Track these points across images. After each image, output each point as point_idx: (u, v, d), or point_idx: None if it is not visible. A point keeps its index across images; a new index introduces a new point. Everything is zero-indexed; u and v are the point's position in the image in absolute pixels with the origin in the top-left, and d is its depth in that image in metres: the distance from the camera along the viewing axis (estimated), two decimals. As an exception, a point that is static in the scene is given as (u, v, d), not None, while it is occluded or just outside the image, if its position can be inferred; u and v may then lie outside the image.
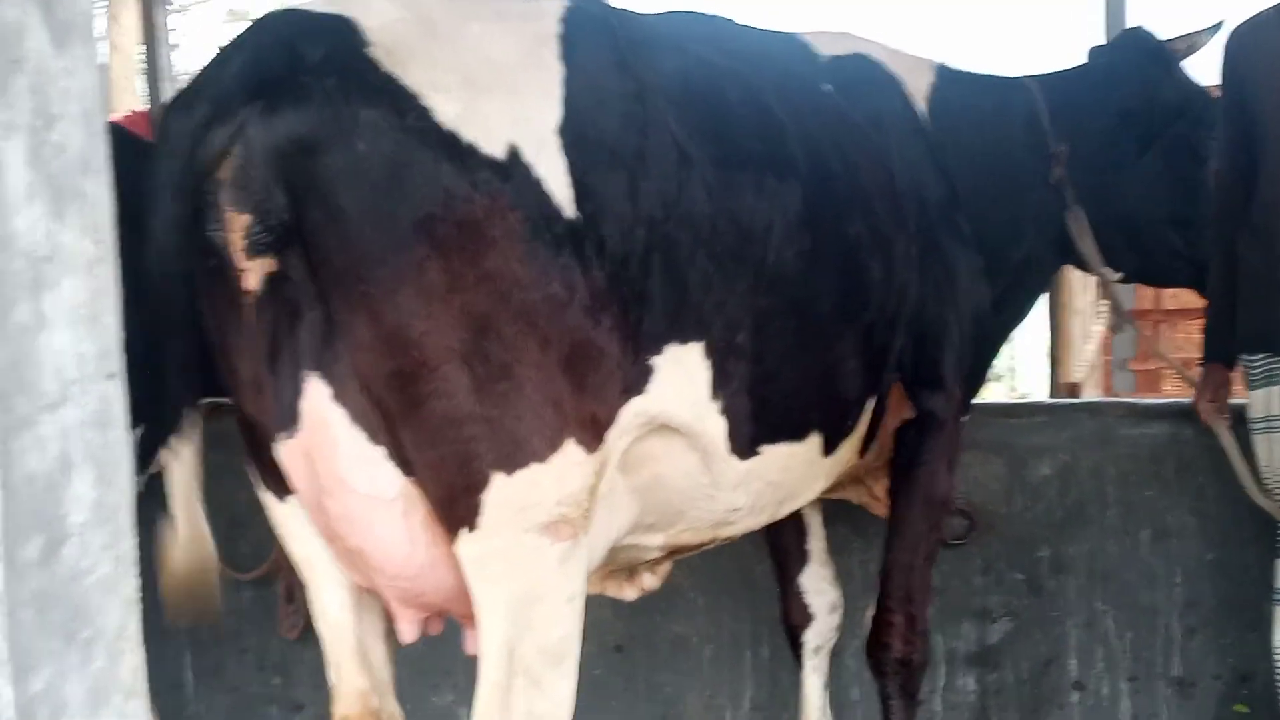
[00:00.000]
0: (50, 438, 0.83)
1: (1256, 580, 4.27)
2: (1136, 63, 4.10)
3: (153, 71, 6.37)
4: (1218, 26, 4.04)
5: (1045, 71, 4.22)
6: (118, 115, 6.96)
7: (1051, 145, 3.92)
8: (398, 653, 4.07)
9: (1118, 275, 4.16)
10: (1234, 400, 4.07)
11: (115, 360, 0.86)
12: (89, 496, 0.85)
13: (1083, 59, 4.30)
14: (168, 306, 2.41)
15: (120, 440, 0.87)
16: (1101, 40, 4.79)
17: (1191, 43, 4.18)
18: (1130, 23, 4.95)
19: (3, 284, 0.80)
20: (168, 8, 6.54)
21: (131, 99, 12.39)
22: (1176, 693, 4.50)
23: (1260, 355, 3.76)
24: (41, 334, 0.83)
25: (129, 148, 4.68)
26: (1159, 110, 4.03)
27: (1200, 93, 4.09)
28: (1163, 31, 4.19)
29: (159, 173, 2.33)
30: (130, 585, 0.87)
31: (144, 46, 6.42)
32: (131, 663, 0.86)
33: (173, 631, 5.11)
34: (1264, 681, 4.17)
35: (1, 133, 0.80)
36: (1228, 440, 3.93)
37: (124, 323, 2.94)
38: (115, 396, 0.87)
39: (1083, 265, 4.11)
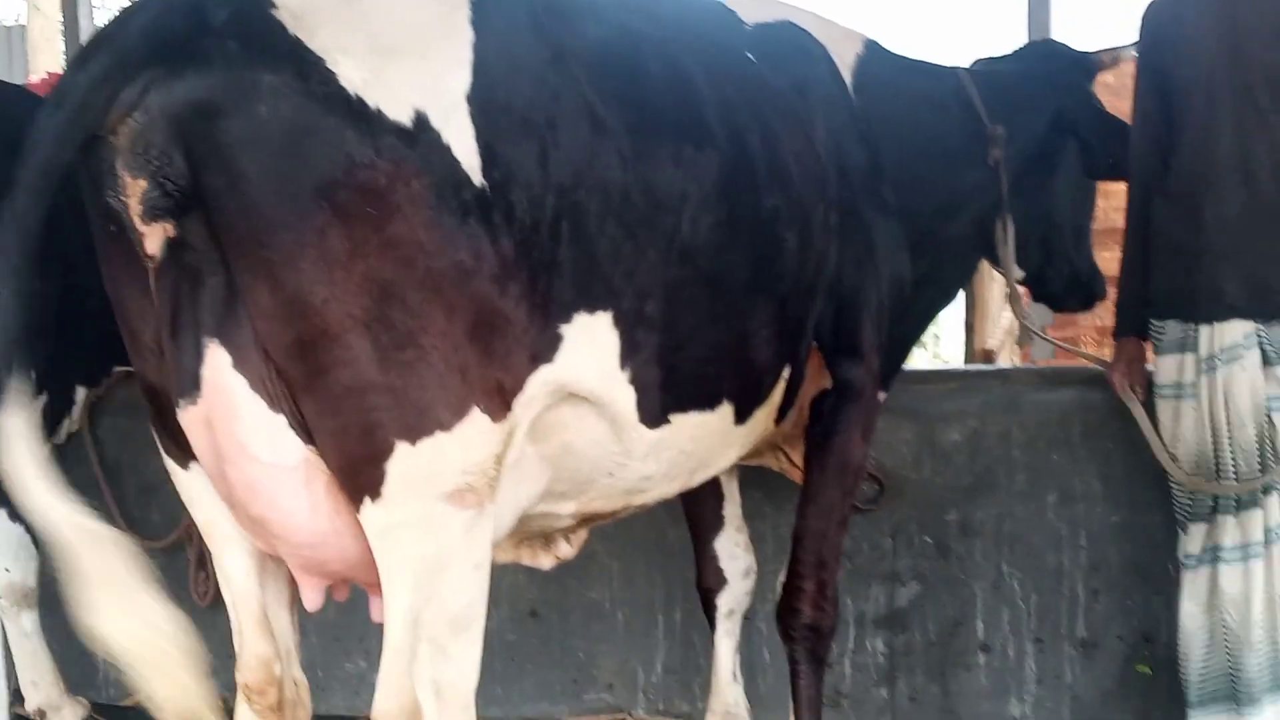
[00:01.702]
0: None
1: (1160, 544, 4.36)
2: (1065, 70, 4.20)
3: (72, 33, 6.27)
4: (1137, 44, 4.11)
5: (972, 66, 4.29)
6: (36, 78, 6.83)
7: (989, 128, 3.96)
8: (312, 621, 4.07)
9: (1020, 274, 4.26)
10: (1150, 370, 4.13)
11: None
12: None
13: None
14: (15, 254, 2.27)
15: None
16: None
17: (1115, 55, 4.29)
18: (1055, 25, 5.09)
19: None
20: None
21: (51, 61, 12.15)
22: (1081, 654, 4.59)
23: (1173, 321, 3.82)
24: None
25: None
26: (1085, 118, 4.12)
27: (1108, 114, 4.22)
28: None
29: (41, 124, 2.26)
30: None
31: (63, 9, 6.32)
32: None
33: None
34: (1166, 643, 4.27)
35: None
36: (1141, 414, 3.99)
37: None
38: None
39: (993, 260, 4.17)
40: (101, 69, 2.26)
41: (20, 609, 4.40)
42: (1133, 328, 4.03)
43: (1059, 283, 4.37)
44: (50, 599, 4.67)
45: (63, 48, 6.21)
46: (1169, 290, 3.81)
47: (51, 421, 4.59)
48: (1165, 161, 3.81)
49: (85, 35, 6.18)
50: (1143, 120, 3.90)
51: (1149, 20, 3.92)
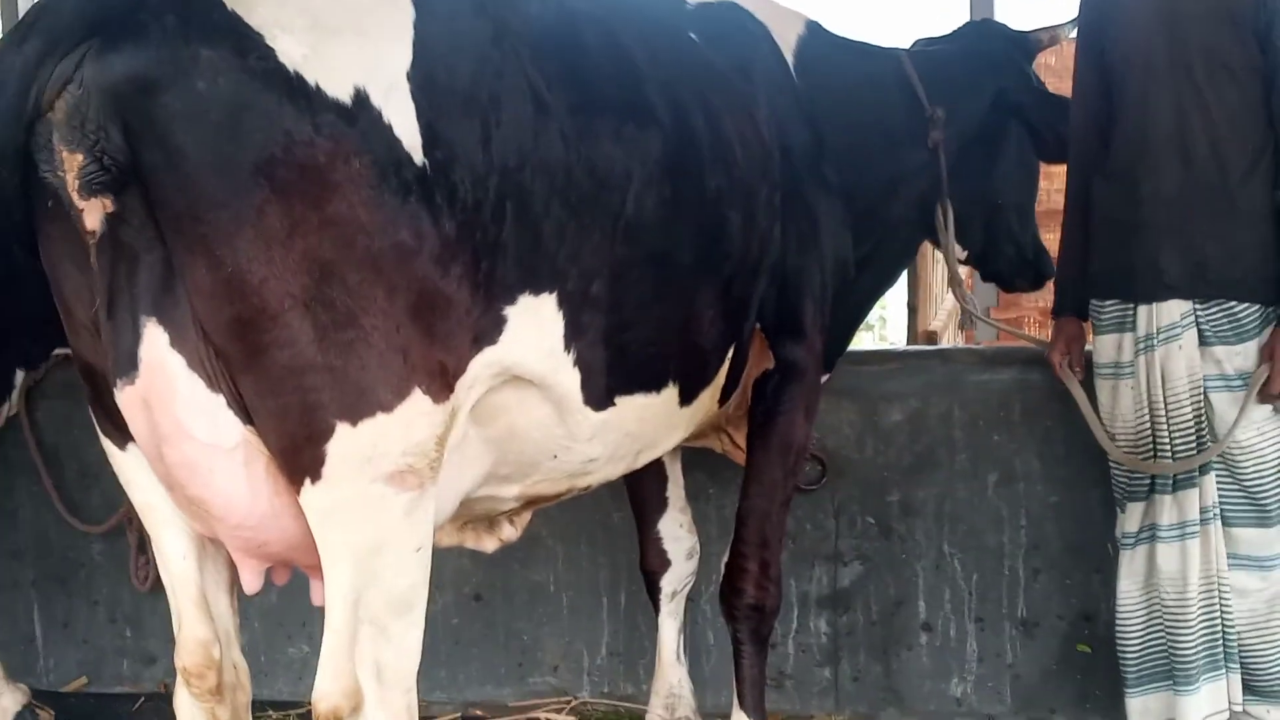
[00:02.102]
0: None
1: (1100, 523, 4.41)
2: (1004, 50, 4.22)
3: (11, 12, 6.18)
4: (1076, 21, 4.13)
5: (911, 46, 4.30)
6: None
7: (928, 110, 3.97)
8: (254, 605, 4.04)
9: (963, 254, 4.30)
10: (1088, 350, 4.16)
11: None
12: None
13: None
14: None
15: None
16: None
17: (1053, 35, 4.33)
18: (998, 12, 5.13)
19: None
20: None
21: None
22: (1021, 633, 4.64)
23: (1112, 301, 3.84)
24: None
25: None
26: (1024, 98, 4.14)
27: (1049, 92, 4.26)
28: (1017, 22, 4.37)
29: None
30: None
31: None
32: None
33: (22, 584, 5.03)
34: (1106, 622, 4.31)
35: None
36: (1079, 394, 4.02)
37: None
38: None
39: (936, 241, 4.19)
40: (37, 47, 2.24)
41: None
42: (1071, 307, 4.06)
43: (1005, 263, 4.40)
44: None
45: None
46: (1108, 270, 3.83)
47: None
48: (1104, 140, 3.83)
49: (21, 9, 6.09)
50: (1081, 99, 3.92)
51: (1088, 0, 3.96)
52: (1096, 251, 3.86)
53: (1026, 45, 4.31)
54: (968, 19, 5.20)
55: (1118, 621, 3.95)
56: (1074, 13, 4.13)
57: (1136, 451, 3.83)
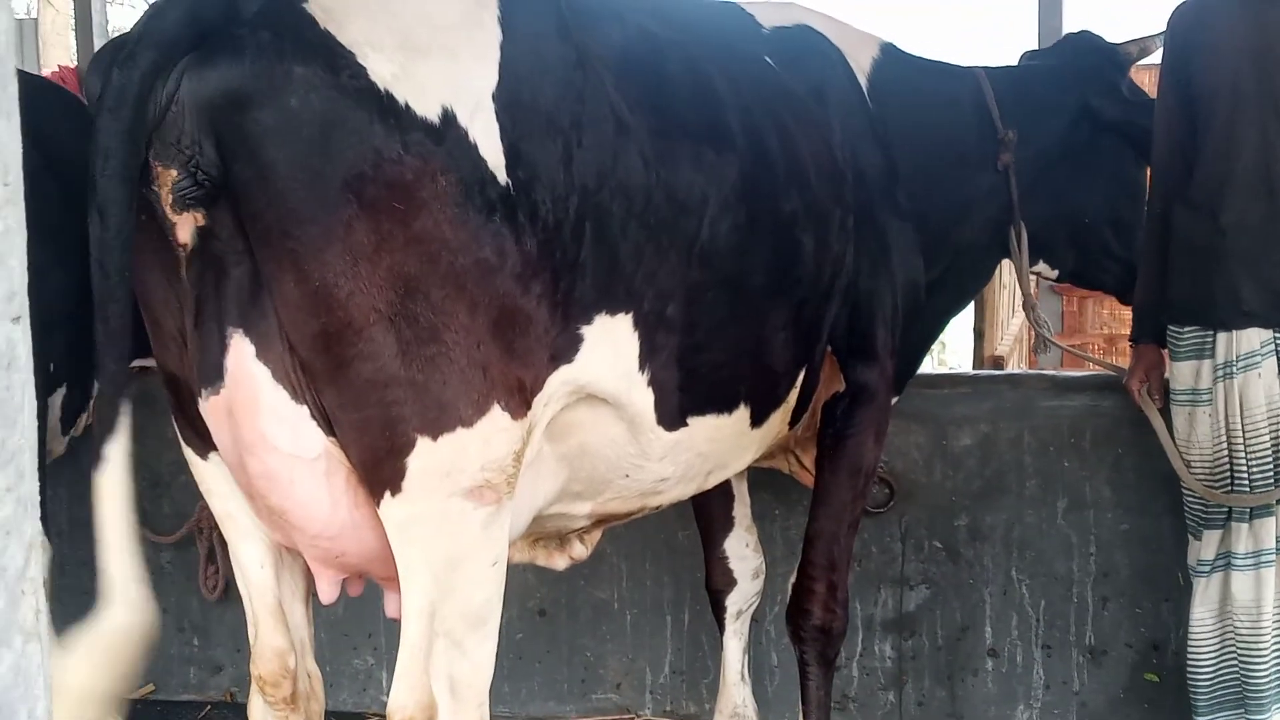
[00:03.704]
0: (-47, 378, 0.83)
1: (1170, 551, 4.36)
2: (1094, 64, 4.19)
3: (85, 27, 6.27)
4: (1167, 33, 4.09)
5: (992, 65, 4.28)
6: (47, 71, 6.85)
7: (1000, 132, 3.96)
8: (321, 617, 4.07)
9: (1054, 274, 4.26)
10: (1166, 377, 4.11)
11: (21, 303, 0.85)
12: (-10, 438, 0.85)
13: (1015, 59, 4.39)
14: (114, 268, 2.30)
15: (24, 383, 0.86)
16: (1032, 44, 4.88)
17: (1143, 46, 4.27)
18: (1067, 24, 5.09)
19: (-90, 225, 0.80)
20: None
21: (63, 55, 12.17)
22: (1089, 661, 4.60)
23: (1190, 328, 3.81)
24: (-54, 274, 0.82)
25: (57, 103, 4.62)
26: (1113, 112, 4.11)
27: (1148, 101, 4.17)
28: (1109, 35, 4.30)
29: (104, 127, 2.25)
30: (32, 528, 0.86)
31: (74, 2, 6.32)
32: (32, 605, 0.86)
33: (91, 592, 5.07)
34: (1175, 651, 4.27)
35: (-90, 76, 0.79)
36: (1158, 423, 3.98)
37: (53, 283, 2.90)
38: (19, 339, 0.86)
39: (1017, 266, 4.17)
40: (151, 63, 2.26)
41: (30, 601, 4.39)
42: (1150, 334, 4.02)
43: (1111, 279, 4.33)
44: (59, 592, 4.68)
45: (74, 42, 6.21)
46: (1187, 297, 3.80)
47: (70, 415, 4.59)
48: (1187, 168, 3.81)
49: (98, 29, 6.18)
50: (1165, 125, 3.89)
51: (1174, 25, 3.91)
52: (1176, 278, 3.83)
53: (1117, 58, 4.26)
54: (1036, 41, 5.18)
55: (1190, 649, 3.91)
56: (1155, 27, 4.10)
57: (1213, 479, 3.80)
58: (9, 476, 0.84)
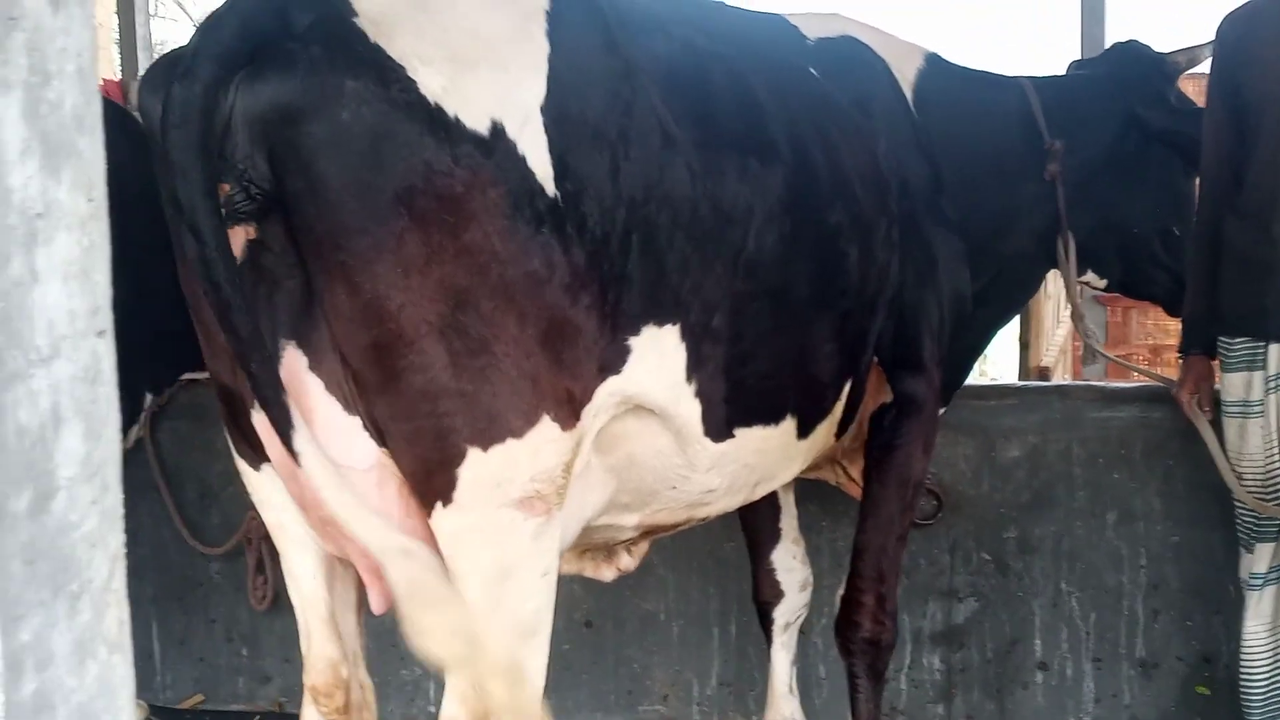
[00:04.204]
0: (41, 392, 0.84)
1: (1221, 564, 4.33)
2: (1142, 74, 4.16)
3: (129, 40, 6.33)
4: (1215, 43, 4.06)
5: (1039, 75, 4.26)
6: (91, 83, 6.91)
7: (1046, 142, 3.94)
8: (368, 627, 4.08)
9: (1103, 283, 4.23)
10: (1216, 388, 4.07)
11: (105, 317, 0.86)
12: (78, 451, 0.86)
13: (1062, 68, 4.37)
14: (223, 279, 2.30)
15: (109, 396, 0.88)
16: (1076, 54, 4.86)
17: (1192, 56, 4.24)
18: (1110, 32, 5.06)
19: (-2, 239, 0.81)
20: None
21: (106, 68, 12.30)
22: (1139, 674, 4.56)
23: (1241, 339, 3.79)
24: (35, 289, 0.83)
25: (105, 113, 4.67)
26: (1161, 122, 4.08)
27: (1195, 110, 4.14)
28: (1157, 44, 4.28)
29: (175, 143, 2.26)
30: (117, 539, 0.88)
31: (118, 16, 6.39)
32: (116, 616, 0.87)
33: (141, 601, 5.13)
34: (1226, 664, 4.23)
35: (-1, 89, 0.81)
36: (1208, 434, 3.95)
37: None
38: (105, 353, 0.88)
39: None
40: (212, 75, 2.28)
41: (82, 611, 4.43)
42: (1200, 345, 3.99)
43: (1159, 289, 4.29)
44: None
45: (117, 56, 6.27)
46: (1238, 308, 3.78)
47: (121, 426, 4.63)
48: (1237, 178, 3.78)
49: (141, 42, 6.25)
50: (1214, 135, 3.86)
51: (1223, 34, 3.89)
52: (1226, 289, 3.80)
53: (1165, 68, 4.23)
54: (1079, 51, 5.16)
55: (1243, 662, 3.87)
56: (1203, 36, 4.07)
57: (1265, 491, 3.76)
58: (95, 489, 0.85)
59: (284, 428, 2.36)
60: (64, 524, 0.84)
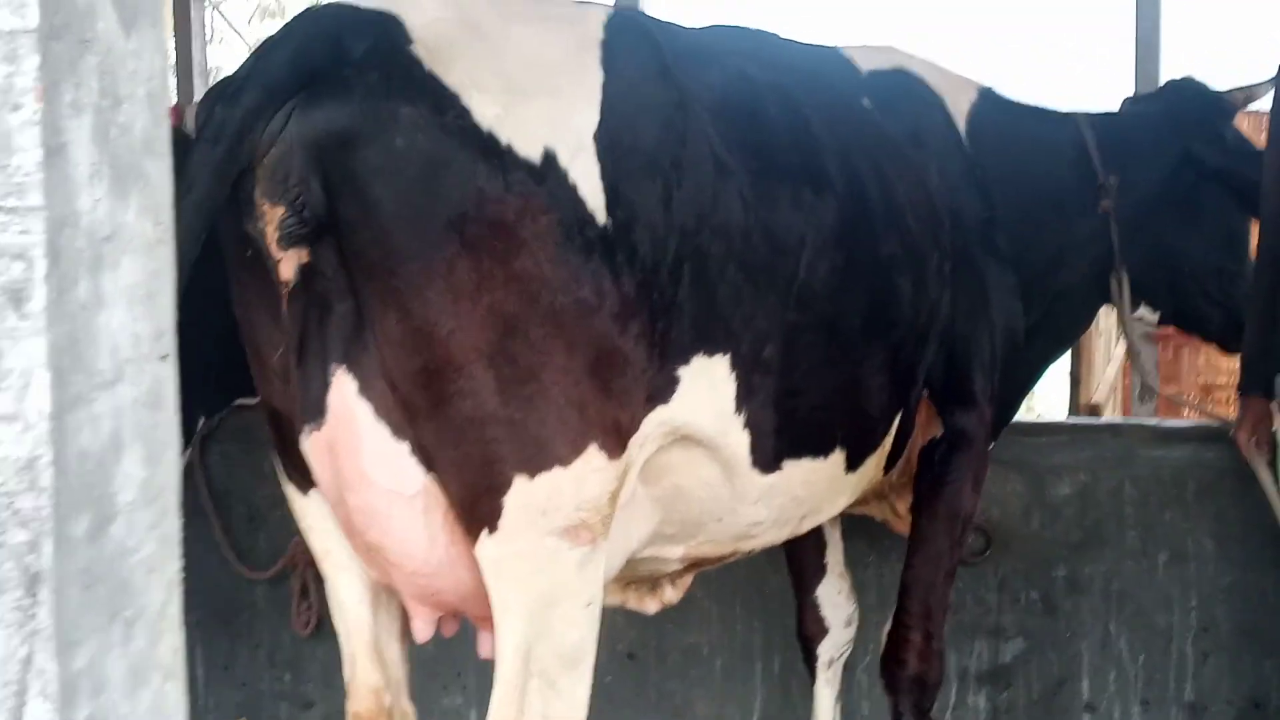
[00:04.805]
0: (104, 415, 0.84)
1: (1273, 606, 4.26)
2: (1198, 111, 4.13)
3: (185, 66, 6.40)
4: (1276, 80, 4.02)
5: (1093, 110, 4.23)
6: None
7: (1101, 177, 3.91)
8: (411, 655, 4.08)
9: (1155, 316, 4.19)
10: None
11: (169, 341, 0.86)
12: (138, 476, 0.86)
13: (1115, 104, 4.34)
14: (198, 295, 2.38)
15: (170, 421, 0.87)
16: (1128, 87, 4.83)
17: (1249, 94, 4.21)
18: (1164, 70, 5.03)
19: (64, 261, 0.81)
20: (203, 3, 6.57)
21: (162, 93, 12.40)
22: (1189, 717, 4.48)
23: None
24: (100, 313, 0.83)
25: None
26: (1216, 160, 4.04)
27: (1253, 151, 4.10)
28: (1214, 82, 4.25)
29: (197, 158, 2.30)
30: (174, 566, 0.87)
31: (175, 41, 6.46)
32: (171, 643, 0.86)
33: (185, 625, 5.13)
34: (1276, 708, 4.16)
35: (70, 111, 0.80)
36: (1265, 476, 3.89)
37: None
38: (167, 377, 0.88)
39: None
40: (254, 101, 2.31)
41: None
42: (1259, 385, 3.92)
43: (1213, 326, 4.25)
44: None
45: (174, 81, 6.34)
46: None
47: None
48: None
49: (197, 67, 6.31)
50: (1276, 173, 3.82)
51: None
52: None
53: (1222, 105, 4.20)
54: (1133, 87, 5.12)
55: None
56: (1261, 75, 4.03)
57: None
58: (154, 514, 0.85)
59: (286, 455, 2.38)
60: (122, 549, 0.84)
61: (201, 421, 4.76)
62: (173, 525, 0.87)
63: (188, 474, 4.89)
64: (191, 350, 2.73)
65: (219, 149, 2.28)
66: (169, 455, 0.86)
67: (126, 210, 0.84)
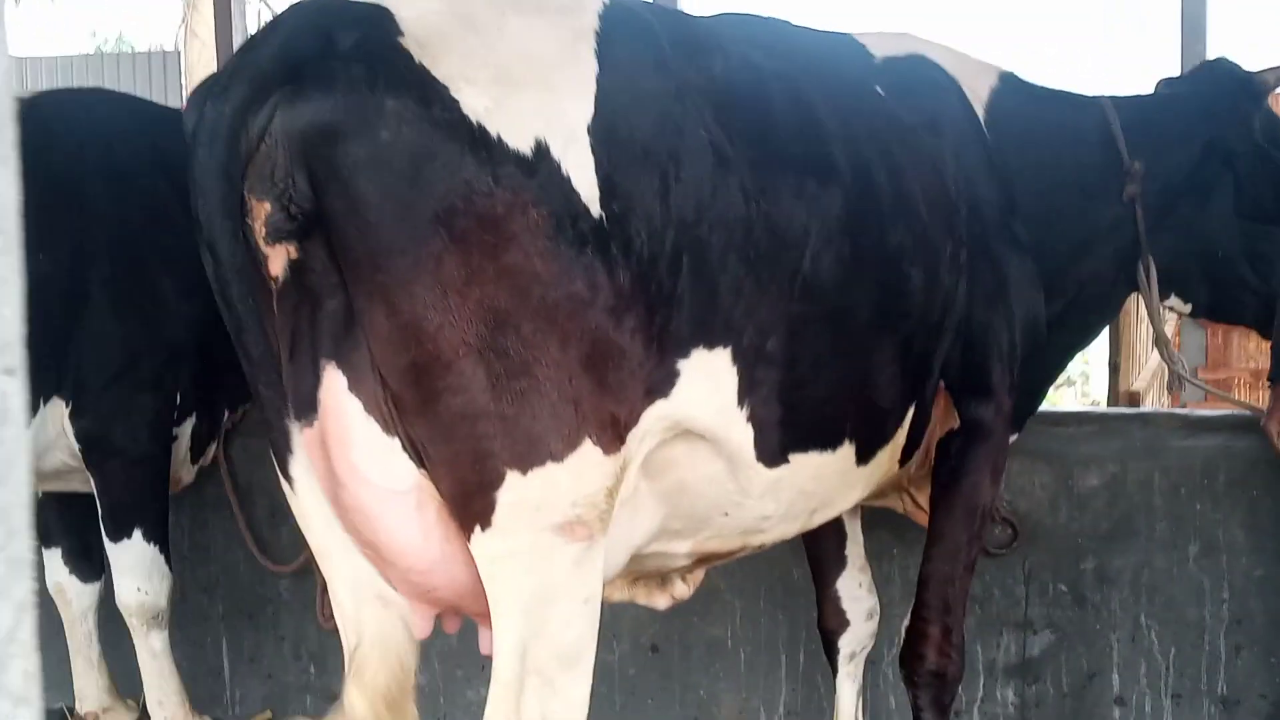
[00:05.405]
0: (-56, 432, 0.81)
1: (1308, 600, 4.17)
2: (1229, 93, 4.02)
3: (225, 57, 6.42)
4: None
5: (1121, 94, 4.13)
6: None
7: (1126, 163, 3.82)
8: (434, 648, 4.07)
9: (1187, 307, 4.10)
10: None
11: (15, 355, 0.83)
12: (-18, 495, 0.83)
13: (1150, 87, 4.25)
14: (235, 298, 2.41)
15: (17, 438, 0.84)
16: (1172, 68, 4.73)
17: None
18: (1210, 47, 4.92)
19: (-100, 273, 0.78)
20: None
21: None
22: (1221, 711, 4.41)
23: None
24: (-63, 325, 0.80)
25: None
26: (1248, 141, 3.95)
27: (1263, 148, 4.00)
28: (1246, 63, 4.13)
29: (199, 163, 2.31)
30: (23, 588, 0.83)
31: (215, 33, 6.48)
32: (22, 668, 0.83)
33: (211, 618, 5.17)
34: (1313, 703, 4.07)
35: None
36: None
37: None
38: (14, 392, 0.84)
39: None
40: (242, 99, 2.30)
41: (150, 629, 4.46)
42: None
43: (1249, 314, 4.13)
44: (179, 618, 4.76)
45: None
46: None
47: (199, 445, 4.67)
48: None
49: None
50: None
51: None
52: None
53: (1252, 86, 4.06)
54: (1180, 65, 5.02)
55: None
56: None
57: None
58: (0, 534, 0.81)
59: (282, 452, 2.44)
60: (-36, 573, 0.81)
61: (226, 415, 4.77)
62: (22, 546, 0.83)
63: (213, 468, 4.91)
64: (224, 344, 2.75)
65: (218, 150, 2.29)
66: (17, 473, 0.82)
67: (-36, 219, 0.81)
